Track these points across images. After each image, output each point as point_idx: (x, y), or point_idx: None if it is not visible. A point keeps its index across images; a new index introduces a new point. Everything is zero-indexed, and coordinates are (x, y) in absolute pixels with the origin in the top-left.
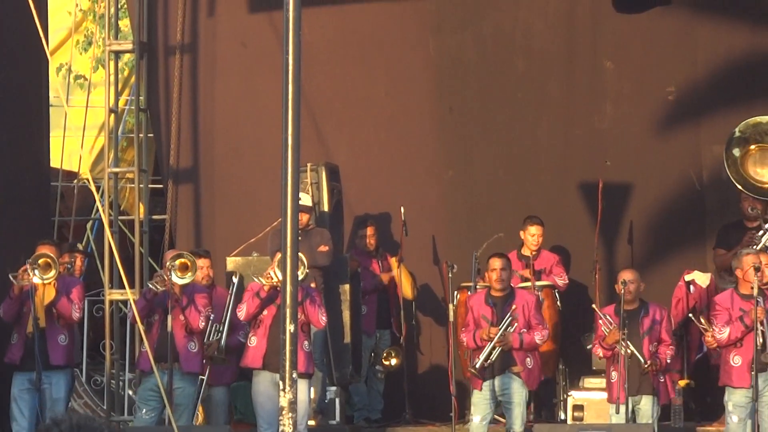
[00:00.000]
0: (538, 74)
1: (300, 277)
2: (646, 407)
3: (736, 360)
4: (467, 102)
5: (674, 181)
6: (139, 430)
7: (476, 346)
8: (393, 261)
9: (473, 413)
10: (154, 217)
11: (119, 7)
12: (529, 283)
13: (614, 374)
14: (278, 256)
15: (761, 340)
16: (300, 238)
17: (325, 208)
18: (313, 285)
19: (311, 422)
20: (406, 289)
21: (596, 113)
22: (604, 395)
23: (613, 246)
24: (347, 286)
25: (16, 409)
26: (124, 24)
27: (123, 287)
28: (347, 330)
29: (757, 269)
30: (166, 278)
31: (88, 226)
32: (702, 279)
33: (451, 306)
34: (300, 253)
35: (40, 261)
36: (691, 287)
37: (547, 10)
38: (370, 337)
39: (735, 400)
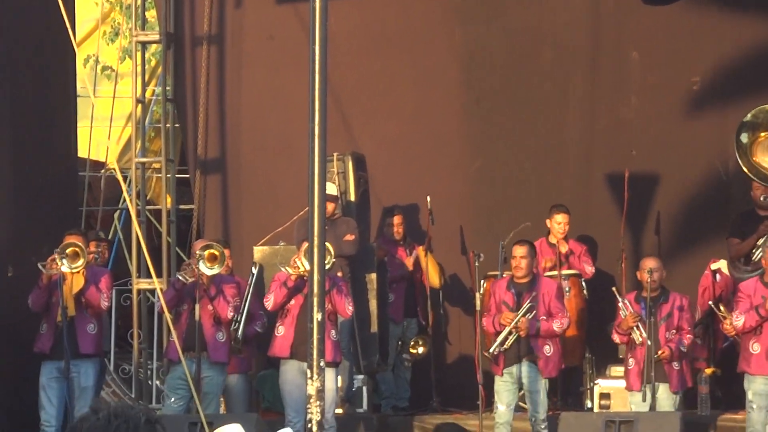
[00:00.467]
0: (564, 65)
1: (326, 267)
2: (662, 396)
3: (755, 347)
4: (493, 92)
5: (700, 171)
6: (168, 418)
7: (495, 331)
8: (420, 250)
9: (497, 401)
10: (181, 206)
11: None
12: (555, 272)
13: (631, 361)
14: (304, 245)
15: None
16: (326, 227)
17: (352, 197)
18: (339, 274)
19: (338, 411)
20: (433, 278)
21: (622, 104)
22: None
23: (640, 235)
24: (374, 275)
25: (44, 397)
26: (151, 15)
27: (150, 277)
28: (374, 319)
29: None
30: (194, 268)
31: (116, 215)
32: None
33: (477, 295)
34: (326, 243)
35: (68, 250)
36: (717, 276)
37: (573, 1)
38: (397, 325)
39: (754, 388)
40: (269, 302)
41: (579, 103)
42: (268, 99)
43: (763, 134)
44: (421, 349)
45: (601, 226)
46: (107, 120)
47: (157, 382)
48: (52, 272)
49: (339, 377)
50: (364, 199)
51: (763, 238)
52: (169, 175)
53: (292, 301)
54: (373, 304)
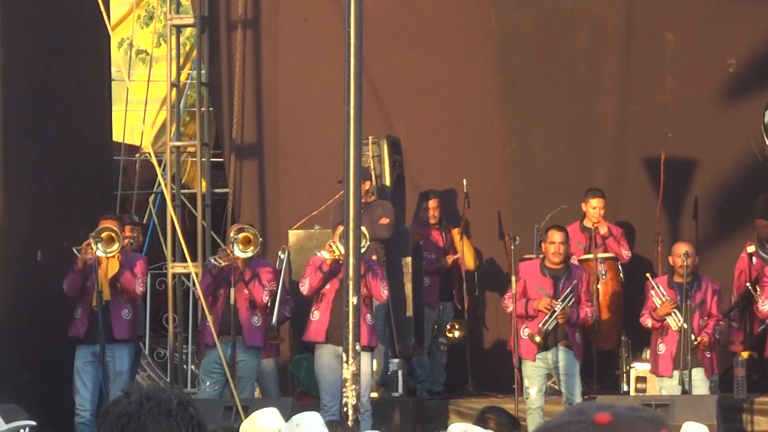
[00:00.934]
0: (599, 48)
1: (362, 250)
2: (697, 378)
3: None
4: (528, 76)
5: (736, 154)
6: (203, 402)
7: (525, 315)
8: (455, 232)
9: (528, 386)
10: (216, 190)
11: None
12: (591, 255)
13: (662, 346)
14: (340, 229)
15: None
16: (361, 210)
17: (387, 181)
18: (374, 258)
19: (374, 394)
20: (468, 260)
21: (657, 86)
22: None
23: (676, 219)
24: (409, 259)
25: (79, 381)
26: None
27: (185, 261)
28: (409, 302)
29: None
30: (229, 252)
31: (150, 199)
32: None
33: (513, 278)
34: (362, 226)
35: (103, 235)
36: (754, 259)
37: None
38: (432, 309)
39: None
40: (304, 287)
41: (614, 86)
42: (302, 82)
43: None
44: (456, 333)
45: (636, 210)
46: (142, 104)
47: (192, 366)
48: (87, 257)
49: (374, 361)
50: (400, 182)
51: None
52: (204, 159)
53: (327, 286)
54: (408, 288)
